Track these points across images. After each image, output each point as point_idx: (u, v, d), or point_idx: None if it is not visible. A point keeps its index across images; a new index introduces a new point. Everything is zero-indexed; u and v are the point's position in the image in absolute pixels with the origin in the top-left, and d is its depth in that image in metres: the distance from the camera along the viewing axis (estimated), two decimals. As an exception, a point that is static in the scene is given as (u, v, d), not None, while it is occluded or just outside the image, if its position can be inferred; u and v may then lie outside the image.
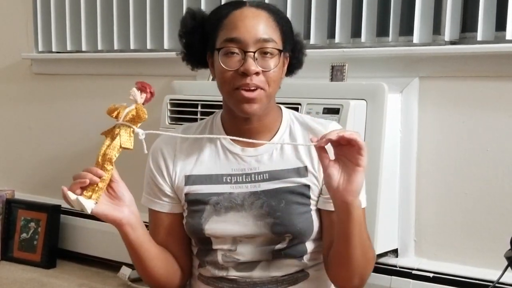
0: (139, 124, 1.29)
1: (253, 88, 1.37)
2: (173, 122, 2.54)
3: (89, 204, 1.28)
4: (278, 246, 1.44)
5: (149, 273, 1.47)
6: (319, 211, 1.46)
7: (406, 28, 2.33)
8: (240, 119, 1.44)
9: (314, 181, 1.45)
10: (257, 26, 1.39)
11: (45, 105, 3.42)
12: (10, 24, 3.50)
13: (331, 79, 2.28)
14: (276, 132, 1.48)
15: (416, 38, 2.23)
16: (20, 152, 3.55)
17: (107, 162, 1.29)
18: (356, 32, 2.43)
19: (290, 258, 1.46)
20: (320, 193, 1.45)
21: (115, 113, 1.29)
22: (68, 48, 3.22)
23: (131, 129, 1.29)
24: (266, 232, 1.42)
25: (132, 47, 2.99)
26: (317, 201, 1.45)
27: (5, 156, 3.62)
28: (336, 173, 1.28)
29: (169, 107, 2.57)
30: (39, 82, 3.44)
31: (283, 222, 1.41)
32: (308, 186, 1.44)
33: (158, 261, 1.46)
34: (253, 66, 1.36)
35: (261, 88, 1.38)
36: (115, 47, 3.06)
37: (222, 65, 1.39)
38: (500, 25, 2.14)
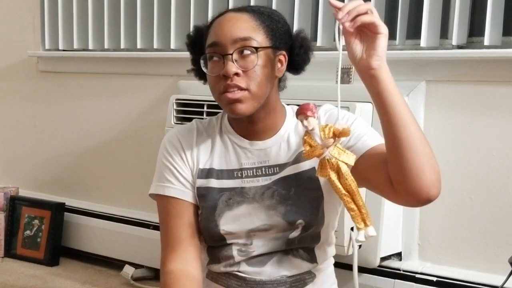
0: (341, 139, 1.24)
1: (235, 90, 1.37)
2: (179, 122, 2.54)
3: (372, 231, 1.29)
4: (292, 235, 1.44)
5: None
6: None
7: (413, 32, 2.33)
8: (243, 121, 1.45)
9: None
10: (234, 27, 1.39)
11: (50, 103, 3.42)
12: (17, 21, 3.51)
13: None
14: (278, 131, 1.48)
15: (423, 41, 2.22)
16: (25, 150, 3.55)
17: (354, 193, 1.24)
18: (363, 34, 2.43)
19: (303, 250, 1.46)
20: None
21: (317, 152, 1.22)
22: (75, 46, 3.23)
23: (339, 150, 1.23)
24: (279, 221, 1.42)
25: (138, 46, 2.99)
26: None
27: (10, 153, 3.63)
28: (358, 43, 1.27)
29: (175, 106, 2.57)
30: (45, 80, 3.44)
31: (294, 210, 1.41)
32: (314, 168, 1.38)
33: None
34: (232, 67, 1.36)
35: (243, 89, 1.37)
36: (122, 46, 3.06)
37: (207, 72, 1.41)
38: (507, 30, 2.14)
